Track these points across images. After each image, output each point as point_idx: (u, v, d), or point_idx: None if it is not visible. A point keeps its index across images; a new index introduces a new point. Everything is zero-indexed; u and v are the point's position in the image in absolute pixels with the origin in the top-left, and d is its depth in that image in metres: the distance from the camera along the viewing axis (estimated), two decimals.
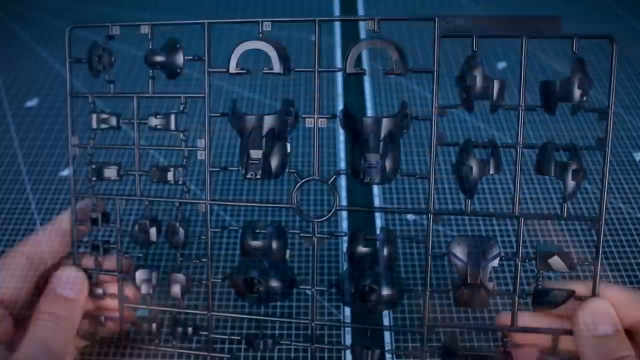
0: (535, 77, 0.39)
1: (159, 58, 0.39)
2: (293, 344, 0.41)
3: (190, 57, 0.39)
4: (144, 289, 0.41)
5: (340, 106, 0.67)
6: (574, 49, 0.35)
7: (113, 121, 0.41)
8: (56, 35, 0.83)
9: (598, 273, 0.35)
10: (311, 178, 0.39)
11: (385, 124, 0.36)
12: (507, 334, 0.37)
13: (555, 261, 0.35)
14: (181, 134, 0.40)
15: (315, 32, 0.37)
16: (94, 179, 0.41)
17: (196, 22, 0.38)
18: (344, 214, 0.56)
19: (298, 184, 0.39)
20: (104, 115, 0.41)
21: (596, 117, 0.35)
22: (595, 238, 0.35)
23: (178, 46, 0.39)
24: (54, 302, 0.39)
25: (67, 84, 0.41)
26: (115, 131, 0.42)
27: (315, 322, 0.40)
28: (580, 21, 0.83)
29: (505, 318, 0.37)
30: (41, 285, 0.41)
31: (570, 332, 0.35)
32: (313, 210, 0.56)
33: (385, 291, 0.37)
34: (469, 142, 0.36)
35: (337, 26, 0.80)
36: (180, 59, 0.39)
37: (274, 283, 0.39)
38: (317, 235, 0.39)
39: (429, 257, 0.37)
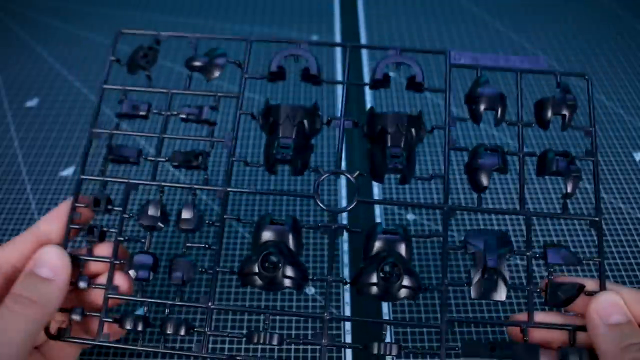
0: (528, 83, 0.41)
1: (197, 63, 0.43)
2: (302, 340, 0.39)
3: (232, 61, 0.43)
4: (141, 275, 0.38)
5: (339, 110, 0.67)
6: (558, 81, 0.42)
7: (144, 109, 0.42)
8: (57, 35, 0.83)
9: (603, 267, 0.37)
10: (337, 171, 0.40)
11: (406, 121, 0.40)
12: (525, 331, 0.37)
13: (564, 255, 0.37)
14: (208, 125, 0.42)
15: (345, 55, 0.43)
16: (110, 157, 0.41)
17: (239, 38, 0.44)
18: (344, 215, 0.56)
19: (323, 176, 0.40)
20: (135, 104, 0.42)
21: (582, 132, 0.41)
22: (594, 237, 0.36)
23: (223, 54, 0.43)
24: (27, 283, 0.35)
25: (105, 75, 0.43)
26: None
27: (328, 316, 0.38)
28: (581, 21, 0.83)
29: (519, 317, 0.38)
30: None
31: (584, 328, 0.36)
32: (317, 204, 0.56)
33: (407, 280, 0.37)
34: (480, 145, 0.41)
35: (337, 26, 0.80)
36: (222, 65, 0.43)
37: (293, 268, 0.37)
38: (336, 226, 0.39)
39: (445, 251, 0.38)
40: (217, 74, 0.43)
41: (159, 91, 0.43)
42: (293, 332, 0.46)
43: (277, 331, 0.45)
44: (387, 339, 0.46)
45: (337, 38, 0.78)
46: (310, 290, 0.49)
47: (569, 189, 0.39)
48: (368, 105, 0.68)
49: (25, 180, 0.61)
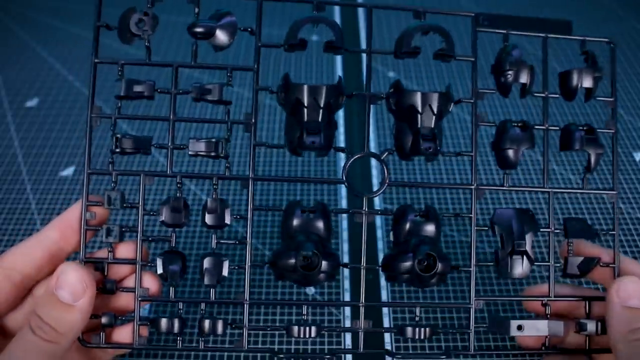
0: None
1: (207, 28, 0.36)
2: (339, 328, 0.40)
3: (241, 28, 0.38)
4: (172, 278, 0.36)
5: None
6: (583, 48, 0.40)
7: (147, 89, 0.36)
8: (56, 35, 0.83)
9: (617, 240, 0.39)
10: (364, 154, 0.38)
11: (437, 99, 0.38)
12: (546, 304, 0.39)
13: (583, 229, 0.38)
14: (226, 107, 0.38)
15: (368, 17, 0.40)
16: (117, 150, 0.36)
17: None
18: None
19: (350, 160, 0.38)
20: (136, 85, 0.36)
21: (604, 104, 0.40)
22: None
23: (231, 16, 0.38)
24: (49, 309, 0.33)
25: (93, 49, 0.38)
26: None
27: (365, 303, 0.37)
28: (580, 21, 0.83)
29: (537, 290, 0.40)
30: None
31: (602, 298, 0.38)
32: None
33: (441, 267, 0.37)
34: (507, 121, 0.39)
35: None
36: (233, 29, 0.37)
37: (330, 262, 0.37)
38: (368, 211, 0.38)
39: (474, 230, 0.38)
40: (228, 40, 0.37)
41: (161, 64, 0.38)
42: (324, 317, 0.46)
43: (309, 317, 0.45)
44: (386, 324, 0.46)
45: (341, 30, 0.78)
46: (310, 290, 0.49)
47: (592, 164, 0.39)
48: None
49: (25, 180, 0.61)
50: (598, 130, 0.39)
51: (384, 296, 0.49)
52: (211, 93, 0.37)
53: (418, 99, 0.38)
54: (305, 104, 0.37)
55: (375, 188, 0.58)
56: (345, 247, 0.53)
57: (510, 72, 0.38)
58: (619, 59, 0.75)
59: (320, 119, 0.37)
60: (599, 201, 0.56)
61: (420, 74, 0.72)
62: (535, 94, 0.40)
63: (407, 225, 0.38)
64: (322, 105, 0.37)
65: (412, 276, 0.37)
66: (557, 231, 0.39)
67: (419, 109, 0.38)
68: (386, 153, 0.38)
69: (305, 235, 0.37)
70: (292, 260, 0.36)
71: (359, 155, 0.38)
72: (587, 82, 0.39)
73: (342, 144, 0.61)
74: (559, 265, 0.39)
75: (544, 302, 0.38)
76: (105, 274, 0.37)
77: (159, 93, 0.37)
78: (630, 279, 0.37)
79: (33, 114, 0.69)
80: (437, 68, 0.72)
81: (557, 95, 0.40)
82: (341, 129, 0.63)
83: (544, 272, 0.46)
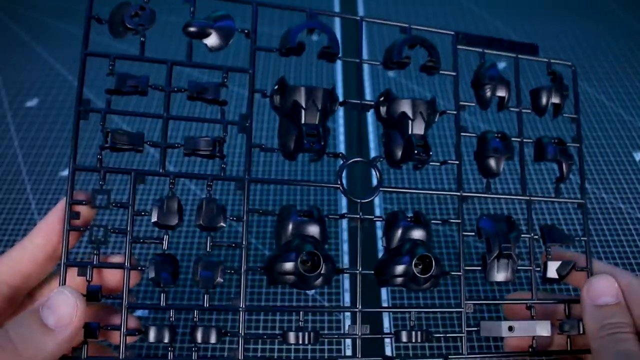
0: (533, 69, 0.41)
1: (201, 28, 0.36)
2: (338, 335, 0.39)
3: (238, 30, 0.37)
4: (164, 281, 0.33)
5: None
6: (549, 69, 0.42)
7: (140, 84, 0.34)
8: (56, 35, 0.83)
9: (589, 245, 0.40)
10: (358, 160, 0.39)
11: (426, 107, 0.39)
12: (530, 306, 0.39)
13: (560, 236, 0.40)
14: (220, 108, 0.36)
15: (360, 30, 0.40)
16: (107, 145, 0.33)
17: (244, 1, 0.38)
18: (344, 205, 0.56)
19: (344, 164, 0.38)
20: (129, 79, 0.34)
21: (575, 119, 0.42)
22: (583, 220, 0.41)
23: (228, 19, 0.37)
24: (26, 326, 0.30)
25: (84, 41, 0.36)
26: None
27: (362, 310, 0.36)
28: (580, 21, 0.83)
29: (517, 296, 0.41)
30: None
31: (578, 300, 0.38)
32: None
33: (436, 266, 0.37)
34: (489, 132, 0.41)
35: (337, 27, 0.80)
36: (229, 32, 0.37)
37: (329, 263, 0.36)
38: (362, 217, 0.38)
39: (462, 235, 0.39)
40: (223, 42, 0.37)
41: (155, 60, 0.36)
42: (318, 324, 0.46)
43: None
44: (386, 328, 0.46)
45: (338, 33, 0.78)
46: (310, 290, 0.49)
47: (564, 174, 0.41)
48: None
49: (25, 180, 0.61)
50: (569, 144, 0.41)
51: (384, 294, 0.49)
52: (207, 92, 0.35)
53: (409, 106, 0.39)
54: (304, 106, 0.37)
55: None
56: (345, 247, 0.53)
57: (488, 87, 0.41)
58: (620, 60, 0.76)
59: (317, 122, 0.37)
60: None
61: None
62: (511, 109, 0.41)
63: (400, 230, 0.38)
64: (319, 108, 0.37)
65: (406, 279, 0.37)
66: (536, 237, 0.40)
67: (411, 115, 0.39)
68: (379, 159, 0.39)
69: (302, 238, 0.37)
70: (292, 263, 0.35)
71: (352, 161, 0.39)
72: (555, 100, 0.41)
73: (342, 149, 0.61)
74: (539, 270, 0.40)
75: (528, 304, 0.39)
76: (90, 279, 0.32)
77: (153, 89, 0.35)
78: (598, 277, 0.37)
79: (33, 114, 0.69)
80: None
81: (530, 111, 0.42)
82: (341, 137, 0.63)
83: (524, 280, 0.46)
